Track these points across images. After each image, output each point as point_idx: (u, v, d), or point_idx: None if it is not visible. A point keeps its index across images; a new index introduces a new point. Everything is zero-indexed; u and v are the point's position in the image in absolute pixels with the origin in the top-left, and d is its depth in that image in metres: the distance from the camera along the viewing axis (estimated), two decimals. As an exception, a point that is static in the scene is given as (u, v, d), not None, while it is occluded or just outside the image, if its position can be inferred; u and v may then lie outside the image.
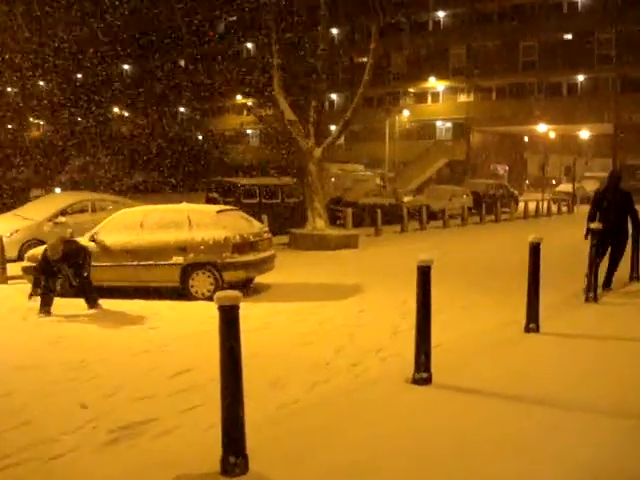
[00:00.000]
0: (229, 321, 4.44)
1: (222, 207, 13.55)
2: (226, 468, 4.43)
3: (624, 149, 53.34)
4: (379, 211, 23.77)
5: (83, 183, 40.61)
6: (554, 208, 37.20)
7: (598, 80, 55.48)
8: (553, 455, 4.82)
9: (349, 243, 19.71)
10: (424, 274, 6.26)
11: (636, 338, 8.26)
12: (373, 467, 4.62)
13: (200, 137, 56.41)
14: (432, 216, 28.35)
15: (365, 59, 22.34)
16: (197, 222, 11.85)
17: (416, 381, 6.34)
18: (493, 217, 30.61)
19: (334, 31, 51.95)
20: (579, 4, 56.00)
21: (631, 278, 12.54)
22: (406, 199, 33.98)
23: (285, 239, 20.43)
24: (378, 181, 37.16)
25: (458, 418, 5.53)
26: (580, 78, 56.08)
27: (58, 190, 34.83)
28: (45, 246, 10.96)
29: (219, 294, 4.44)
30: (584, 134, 56.39)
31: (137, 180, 45.15)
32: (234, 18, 38.68)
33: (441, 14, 61.22)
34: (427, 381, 6.34)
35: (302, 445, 5.01)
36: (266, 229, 13.00)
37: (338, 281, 13.70)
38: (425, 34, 59.78)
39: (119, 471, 4.79)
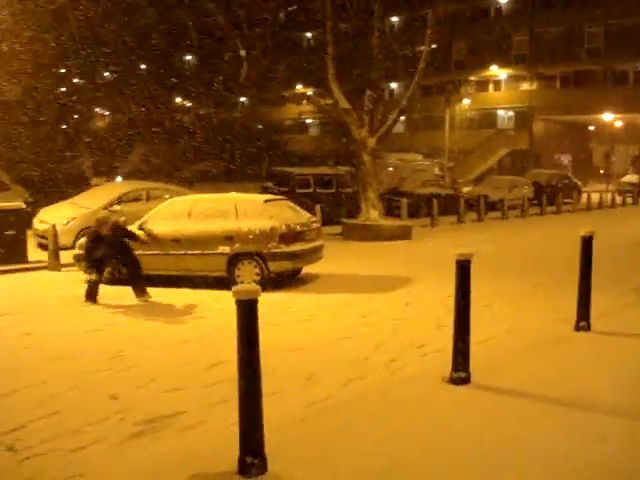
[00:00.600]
0: (247, 316, 4.29)
1: (269, 197, 13.42)
2: (243, 468, 4.29)
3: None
4: (435, 201, 23.37)
5: (145, 172, 41.23)
6: (619, 200, 36.03)
7: (668, 66, 53.52)
8: (592, 467, 4.51)
9: (403, 234, 19.40)
10: (463, 269, 6.00)
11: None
12: (397, 471, 4.42)
13: (260, 126, 56.55)
14: (491, 207, 27.72)
15: (422, 47, 21.95)
16: (244, 212, 11.76)
17: (454, 380, 6.10)
18: (554, 208, 29.78)
19: (394, 19, 51.59)
20: (649, -13, 54.01)
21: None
22: (465, 189, 33.43)
23: (339, 229, 20.27)
24: (437, 171, 36.53)
25: (493, 423, 5.26)
26: (648, 65, 54.16)
27: (119, 179, 35.39)
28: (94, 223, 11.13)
29: (237, 288, 4.30)
30: (652, 123, 54.51)
31: (198, 169, 45.50)
32: (294, 7, 38.63)
33: (502, 0, 59.84)
34: (465, 381, 6.08)
35: (328, 445, 4.84)
36: (314, 219, 12.85)
37: (387, 273, 13.45)
38: (486, 21, 58.68)
39: (137, 466, 4.70)
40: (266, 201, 12.27)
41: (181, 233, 11.81)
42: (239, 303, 4.28)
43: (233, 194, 12.72)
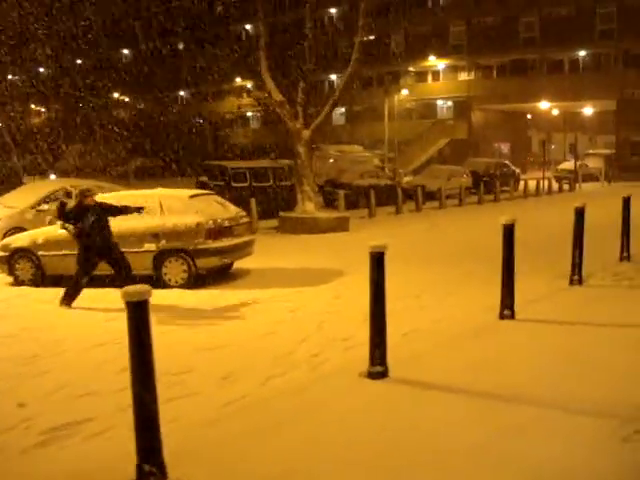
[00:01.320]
0: (138, 317, 4.09)
1: (195, 191, 13.18)
2: (141, 476, 4.08)
3: (628, 125, 52.55)
4: (372, 192, 23.36)
5: (81, 169, 40.38)
6: (556, 186, 36.64)
7: (600, 56, 54.56)
8: (512, 461, 4.42)
9: (339, 226, 19.34)
10: (377, 261, 5.86)
11: (619, 323, 7.83)
12: (295, 475, 4.28)
13: (200, 121, 55.95)
14: (430, 196, 27.88)
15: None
16: (169, 207, 11.50)
17: (371, 375, 5.97)
18: (492, 197, 30.11)
19: (332, 10, 51.37)
20: (581, -23, 55.00)
21: (621, 258, 12.16)
22: (406, 179, 33.61)
23: (276, 223, 20.12)
24: (377, 162, 36.67)
25: (406, 418, 5.15)
26: (582, 54, 55.16)
27: (53, 177, 34.52)
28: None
29: (126, 289, 4.09)
30: (587, 111, 55.69)
31: (136, 165, 44.78)
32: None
33: (440, -10, 60.30)
34: (383, 375, 5.96)
35: (235, 450, 4.66)
36: (243, 213, 12.62)
37: (320, 265, 13.33)
38: (424, 11, 59.01)
39: (36, 477, 4.48)
40: (192, 196, 12.02)
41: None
42: (129, 305, 4.08)
43: (158, 190, 12.43)
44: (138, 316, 4.06)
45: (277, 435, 4.90)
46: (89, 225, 9.95)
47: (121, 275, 10.01)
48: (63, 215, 10.19)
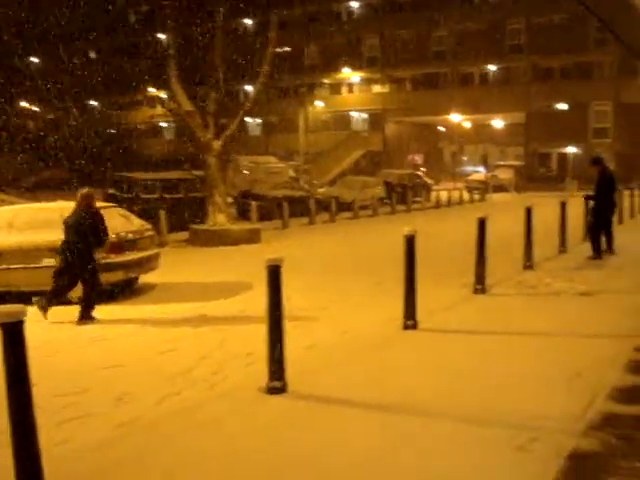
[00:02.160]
0: (13, 341, 3.83)
1: (98, 204, 12.74)
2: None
3: (536, 138, 54.33)
4: (285, 204, 23.29)
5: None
6: (467, 197, 37.47)
7: (509, 70, 56.35)
8: (405, 472, 4.38)
9: (251, 238, 19.16)
10: (274, 274, 5.75)
11: (519, 332, 7.97)
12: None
13: (112, 131, 54.76)
14: (344, 207, 28.04)
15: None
16: (70, 221, 11.06)
17: (269, 390, 5.85)
18: (405, 207, 30.52)
19: (246, 21, 51.19)
20: (490, -6, 56.70)
21: (525, 267, 12.44)
22: (321, 190, 33.70)
23: (186, 235, 19.78)
24: (291, 173, 36.67)
25: (300, 432, 5.06)
26: (492, 68, 56.83)
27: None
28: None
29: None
30: (498, 123, 57.34)
31: (43, 177, 43.40)
32: (142, 8, 37.62)
33: (354, 4, 61.05)
34: (281, 390, 5.85)
35: (123, 471, 4.47)
36: (148, 226, 12.29)
37: (229, 279, 13.13)
38: (338, 24, 59.65)
39: None
40: (94, 209, 11.61)
41: (1, 246, 10.97)
42: (3, 326, 3.83)
43: (59, 202, 11.99)
44: (13, 339, 3.81)
45: (167, 453, 4.73)
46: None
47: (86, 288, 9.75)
48: (83, 230, 9.70)
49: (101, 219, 9.85)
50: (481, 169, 55.52)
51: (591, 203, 14.11)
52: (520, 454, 4.61)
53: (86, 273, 9.69)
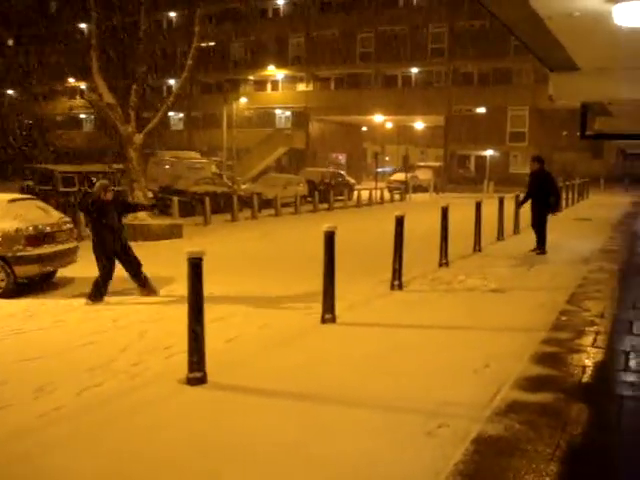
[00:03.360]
0: None
1: (15, 196, 12.51)
2: None
3: (456, 140, 55.69)
4: (207, 200, 23.23)
5: None
6: (388, 196, 38.07)
7: (431, 73, 57.54)
8: (321, 460, 4.56)
9: (173, 233, 19.06)
10: (195, 267, 5.86)
11: (431, 326, 8.31)
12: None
13: (29, 122, 53.08)
14: (267, 204, 28.13)
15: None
16: (-14, 212, 10.85)
17: (189, 381, 5.95)
18: (327, 205, 30.82)
19: (171, 14, 50.59)
20: (414, -3, 57.75)
21: (440, 264, 12.85)
22: (243, 187, 33.70)
23: (106, 229, 19.48)
24: (214, 169, 36.46)
25: (220, 422, 5.18)
26: (414, 70, 57.91)
27: None
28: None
29: None
30: (419, 125, 58.46)
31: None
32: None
33: (280, 1, 61.17)
34: (201, 381, 5.96)
35: (45, 461, 4.51)
36: (67, 219, 12.12)
37: (149, 273, 13.00)
38: (264, 21, 59.64)
39: None
40: (11, 201, 11.41)
41: None
42: None
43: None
44: None
45: (91, 443, 4.79)
46: (113, 221, 10.29)
47: (132, 272, 10.67)
48: (85, 207, 10.38)
49: (123, 202, 11.27)
50: (388, 169, 56.68)
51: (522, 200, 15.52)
52: (429, 439, 4.87)
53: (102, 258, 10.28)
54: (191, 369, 5.97)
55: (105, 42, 20.39)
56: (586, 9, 4.45)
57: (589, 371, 6.39)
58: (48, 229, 11.10)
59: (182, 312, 9.38)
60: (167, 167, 31.16)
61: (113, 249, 10.31)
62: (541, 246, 14.49)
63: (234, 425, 5.11)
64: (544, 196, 14.38)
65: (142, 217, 19.13)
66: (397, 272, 10.61)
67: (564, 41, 5.64)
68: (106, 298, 10.44)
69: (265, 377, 6.24)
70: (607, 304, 9.46)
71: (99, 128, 37.67)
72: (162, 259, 15.24)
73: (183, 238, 19.09)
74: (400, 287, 10.58)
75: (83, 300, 10.29)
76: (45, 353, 7.54)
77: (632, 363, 6.66)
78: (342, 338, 7.71)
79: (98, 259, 10.27)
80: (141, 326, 8.75)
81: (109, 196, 10.28)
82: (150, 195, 21.60)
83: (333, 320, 8.30)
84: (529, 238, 15.17)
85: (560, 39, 5.52)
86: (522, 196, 15.71)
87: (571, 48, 5.96)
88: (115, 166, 24.21)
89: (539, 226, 14.50)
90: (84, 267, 12.47)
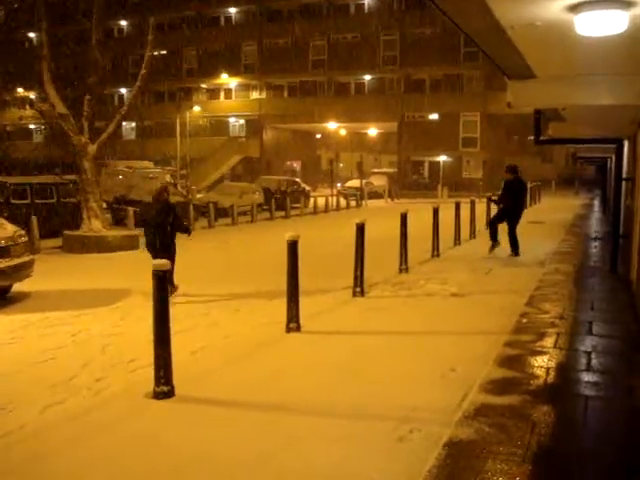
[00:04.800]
0: None
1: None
2: None
3: (408, 146, 56.16)
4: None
5: None
6: (344, 203, 38.21)
7: (384, 80, 57.97)
8: (292, 471, 4.52)
9: (128, 244, 18.78)
10: (159, 280, 5.78)
11: (394, 331, 8.36)
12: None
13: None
14: (223, 213, 27.98)
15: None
16: (-64, 227, 10.58)
17: (157, 395, 5.86)
18: (284, 213, 30.80)
19: (122, 23, 50.10)
20: (365, 6, 58.14)
21: (400, 270, 12.93)
22: (199, 196, 33.47)
23: (60, 242, 19.16)
24: (168, 178, 36.12)
25: (188, 435, 5.11)
26: (367, 77, 58.30)
27: None
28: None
29: None
30: (372, 132, 58.88)
31: None
32: (15, 6, 36.14)
33: (232, 10, 61.03)
34: (168, 395, 5.88)
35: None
36: (22, 232, 11.85)
37: (107, 285, 12.87)
38: (217, 29, 59.47)
39: None
40: (-37, 214, 11.16)
41: None
42: None
43: None
44: None
45: (59, 459, 4.69)
46: (170, 221, 11.05)
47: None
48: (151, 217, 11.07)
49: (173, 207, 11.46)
50: (356, 176, 56.77)
51: (494, 205, 15.93)
52: (401, 444, 4.88)
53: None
54: (158, 383, 5.88)
55: (56, 52, 20.10)
56: (548, 19, 4.52)
57: (553, 372, 6.48)
58: (3, 243, 10.84)
59: (143, 324, 9.32)
60: (120, 177, 30.79)
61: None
62: (515, 249, 14.79)
63: (204, 439, 5.04)
64: (517, 205, 14.78)
65: (97, 228, 18.87)
66: (358, 279, 10.64)
67: (524, 50, 5.72)
68: (65, 312, 10.24)
69: (233, 389, 6.18)
70: (566, 305, 9.62)
71: (50, 139, 37.15)
72: (118, 271, 15.08)
73: (139, 249, 18.82)
74: (362, 294, 10.61)
75: (39, 314, 10.08)
76: (3, 371, 7.36)
77: (594, 363, 6.78)
78: (308, 347, 7.69)
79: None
80: (102, 340, 8.60)
81: (169, 198, 11.22)
82: (104, 206, 21.30)
83: (298, 329, 8.28)
84: (485, 242, 15.37)
85: (520, 48, 5.61)
86: (493, 198, 16.02)
87: (530, 57, 6.05)
88: (67, 177, 23.84)
89: (510, 232, 14.78)
90: (40, 281, 12.28)
